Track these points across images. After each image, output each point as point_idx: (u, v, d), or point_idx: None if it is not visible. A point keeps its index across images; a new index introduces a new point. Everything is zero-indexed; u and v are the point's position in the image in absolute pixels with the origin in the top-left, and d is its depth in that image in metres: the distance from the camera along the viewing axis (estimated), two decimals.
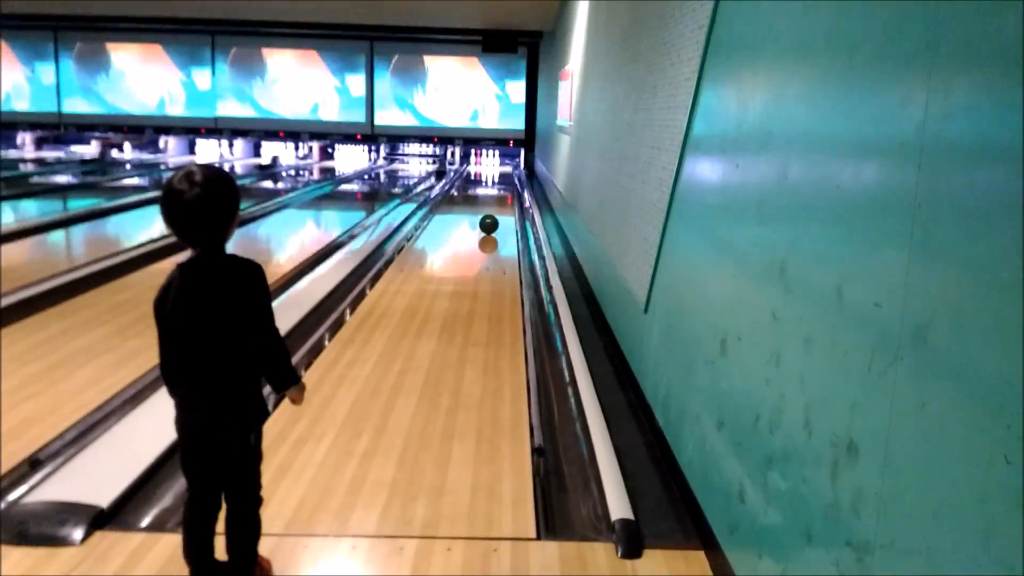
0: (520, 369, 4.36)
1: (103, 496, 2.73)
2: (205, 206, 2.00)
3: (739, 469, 2.25)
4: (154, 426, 3.34)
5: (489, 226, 9.13)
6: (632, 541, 2.58)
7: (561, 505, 2.93)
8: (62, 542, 2.51)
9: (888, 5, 1.51)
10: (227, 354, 2.08)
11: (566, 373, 4.35)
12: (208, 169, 2.06)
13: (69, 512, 2.64)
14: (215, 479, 2.20)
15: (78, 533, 2.55)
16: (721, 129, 2.67)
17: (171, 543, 2.52)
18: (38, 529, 2.57)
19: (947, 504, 1.22)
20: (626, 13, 5.08)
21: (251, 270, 2.10)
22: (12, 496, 2.80)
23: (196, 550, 2.23)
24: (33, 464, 3.08)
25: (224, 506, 2.23)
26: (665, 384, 3.28)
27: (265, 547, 2.50)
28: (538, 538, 2.64)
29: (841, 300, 1.62)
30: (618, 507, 2.75)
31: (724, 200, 2.54)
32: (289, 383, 2.23)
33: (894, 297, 1.40)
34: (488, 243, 8.99)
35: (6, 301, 5.19)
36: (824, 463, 1.66)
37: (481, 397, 3.91)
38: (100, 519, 2.63)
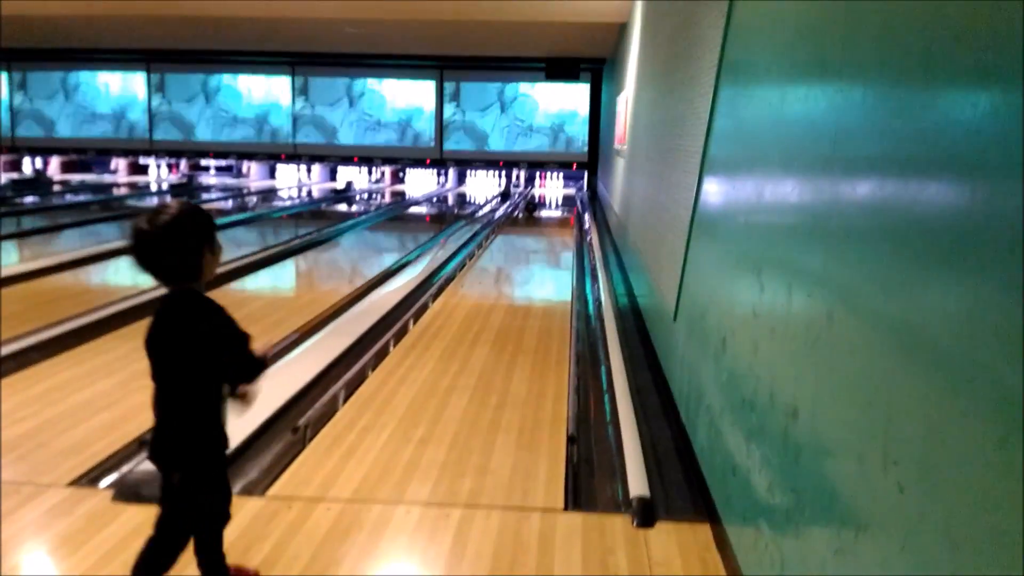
0: (564, 375, 4.77)
1: None
2: (162, 245, 2.01)
3: (732, 447, 2.62)
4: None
5: (531, 209, 15.12)
6: (646, 514, 2.96)
7: (588, 486, 3.34)
8: None
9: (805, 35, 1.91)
10: (170, 394, 2.11)
11: (605, 379, 4.75)
12: (171, 208, 2.05)
13: None
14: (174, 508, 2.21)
15: None
16: (723, 153, 3.07)
17: (257, 505, 3.02)
18: (149, 491, 3.09)
19: (844, 441, 1.61)
20: (666, 46, 5.50)
21: (204, 322, 2.07)
22: (126, 467, 3.35)
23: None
24: (142, 443, 3.62)
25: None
26: (687, 382, 3.66)
27: (333, 511, 2.98)
28: (565, 510, 3.05)
29: (791, 295, 2.01)
30: (637, 486, 3.14)
31: (725, 216, 2.94)
32: (246, 377, 2.17)
33: (816, 290, 1.79)
34: (531, 220, 14.20)
35: (114, 309, 5.90)
36: (779, 429, 2.04)
37: (526, 397, 4.34)
38: None
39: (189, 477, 2.16)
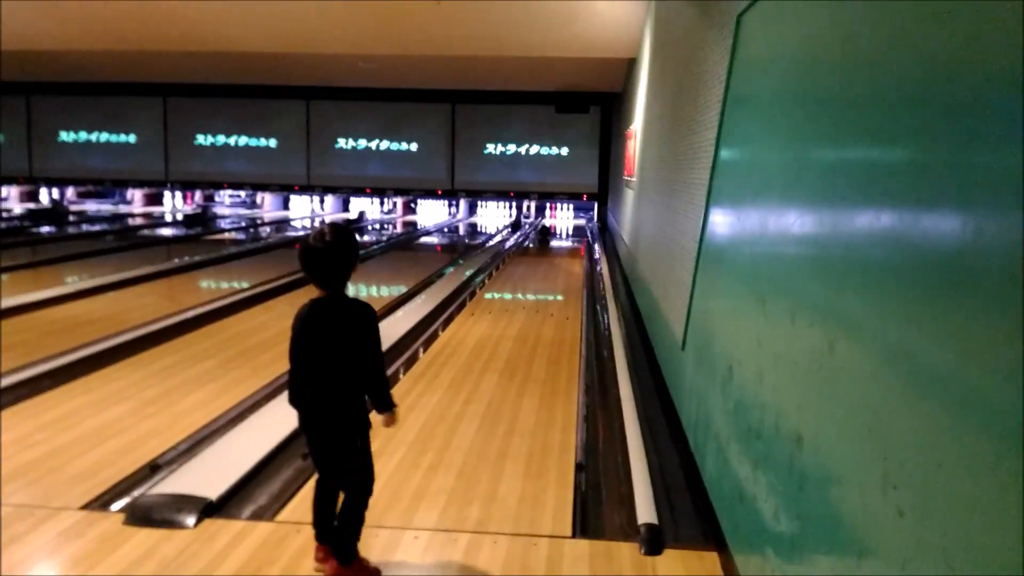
0: (573, 403, 4.79)
1: (212, 491, 3.29)
2: (332, 259, 2.54)
3: (739, 474, 2.64)
4: (254, 438, 3.93)
5: (545, 236, 15.70)
6: (654, 542, 2.97)
7: (596, 514, 3.34)
8: (179, 525, 3.07)
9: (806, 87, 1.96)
10: (340, 373, 2.57)
11: (614, 407, 4.76)
12: (336, 229, 2.58)
13: (184, 502, 3.20)
14: (329, 469, 2.71)
15: (191, 519, 3.10)
16: (729, 185, 3.12)
17: (267, 529, 3.05)
18: (160, 515, 3.14)
19: (846, 467, 1.63)
20: (673, 81, 5.58)
21: (365, 311, 2.61)
22: (137, 492, 3.38)
23: (319, 519, 2.76)
24: (153, 468, 3.67)
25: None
26: (695, 411, 3.67)
27: None
28: (573, 537, 3.06)
29: (794, 325, 2.04)
30: (645, 513, 3.15)
31: (731, 247, 2.98)
32: (384, 407, 2.68)
33: (818, 319, 1.82)
34: (544, 247, 14.69)
35: (127, 337, 5.96)
36: (785, 457, 2.06)
37: (535, 425, 4.36)
38: (209, 509, 3.18)
39: (353, 442, 2.65)
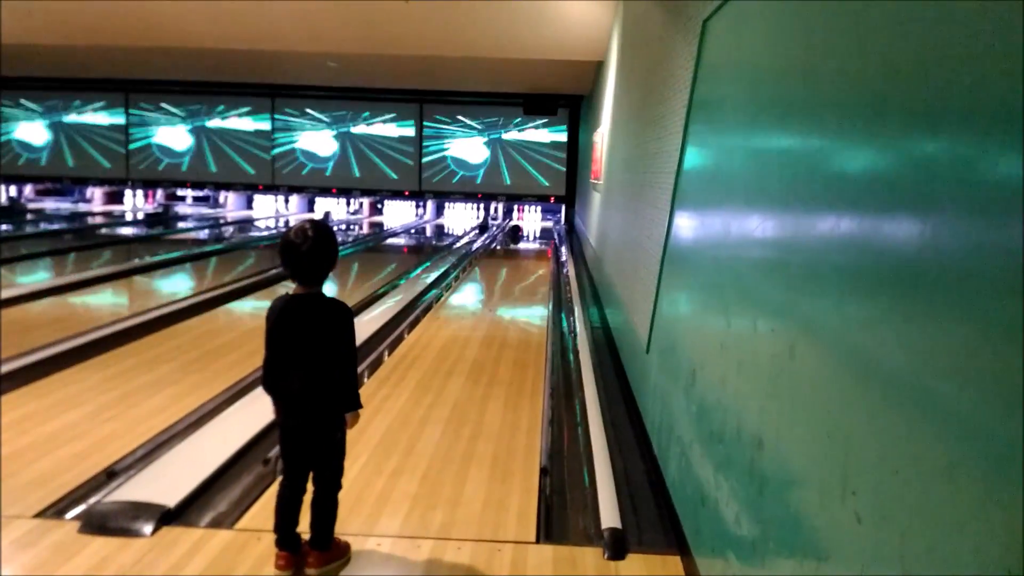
0: (538, 407, 4.78)
1: (170, 498, 3.23)
2: (312, 256, 2.60)
3: (701, 478, 2.65)
4: (214, 444, 3.87)
5: (515, 236, 15.94)
6: (617, 546, 2.97)
7: (561, 519, 3.34)
8: (136, 534, 3.00)
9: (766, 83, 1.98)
10: (326, 367, 2.65)
11: (579, 411, 4.76)
12: (318, 226, 2.63)
13: (141, 510, 3.13)
14: (304, 467, 2.76)
15: (148, 527, 3.03)
16: (693, 189, 3.13)
17: (226, 537, 3.00)
18: (116, 523, 3.06)
19: (805, 472, 1.64)
20: (640, 84, 5.61)
21: (343, 310, 2.69)
22: (93, 499, 3.30)
23: (282, 525, 2.78)
24: (110, 475, 3.59)
25: (310, 489, 2.81)
26: (659, 414, 3.69)
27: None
28: (537, 542, 3.05)
29: (756, 329, 2.05)
30: (608, 518, 3.15)
31: (695, 251, 3.00)
32: (350, 407, 2.77)
33: (779, 324, 1.83)
34: (513, 244, 15.15)
35: (84, 339, 5.83)
36: (746, 460, 2.07)
37: (500, 428, 4.34)
38: (167, 516, 3.12)
39: (333, 428, 2.75)
